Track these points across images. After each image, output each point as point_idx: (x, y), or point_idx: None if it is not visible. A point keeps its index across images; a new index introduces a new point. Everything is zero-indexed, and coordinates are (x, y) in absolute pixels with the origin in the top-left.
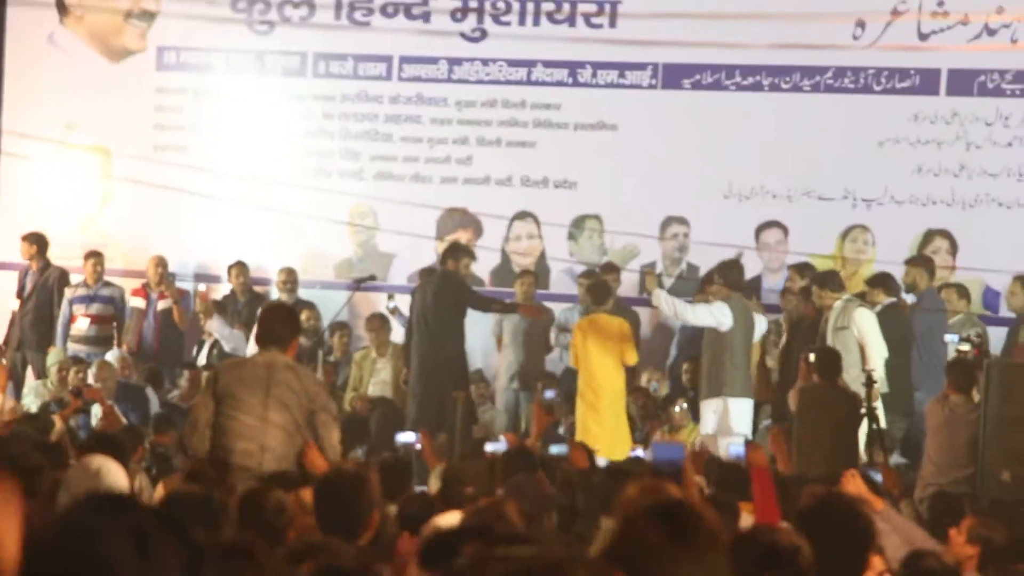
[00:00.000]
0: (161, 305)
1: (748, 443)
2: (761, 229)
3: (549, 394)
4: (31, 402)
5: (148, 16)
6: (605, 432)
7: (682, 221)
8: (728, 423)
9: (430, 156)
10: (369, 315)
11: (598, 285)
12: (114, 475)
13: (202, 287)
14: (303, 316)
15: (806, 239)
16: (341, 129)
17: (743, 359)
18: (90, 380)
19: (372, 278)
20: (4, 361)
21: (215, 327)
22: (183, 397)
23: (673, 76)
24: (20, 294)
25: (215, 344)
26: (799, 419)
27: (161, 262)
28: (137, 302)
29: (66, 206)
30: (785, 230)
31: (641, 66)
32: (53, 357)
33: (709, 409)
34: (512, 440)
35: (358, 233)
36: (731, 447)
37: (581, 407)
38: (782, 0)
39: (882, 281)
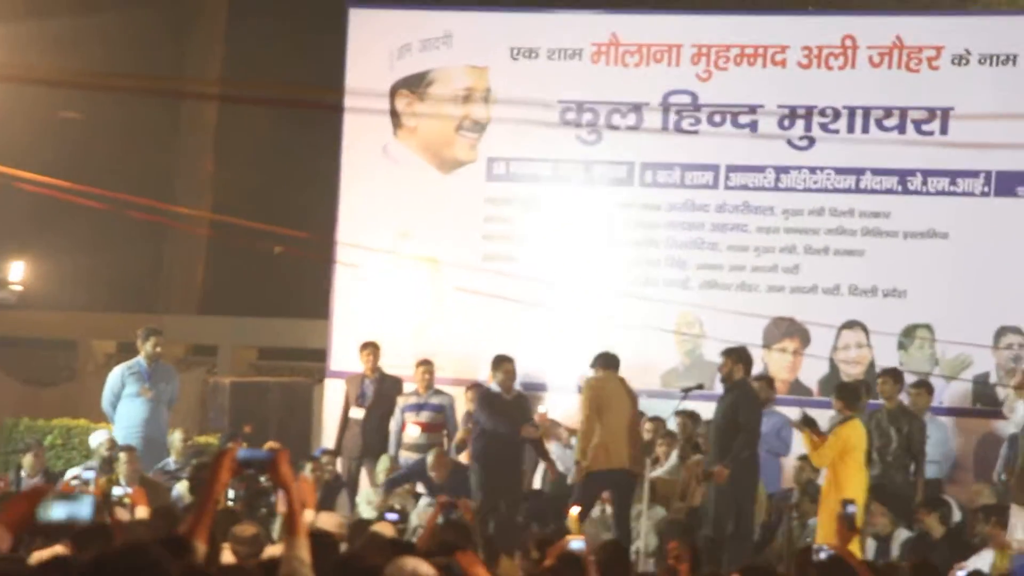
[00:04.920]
0: None
1: None
2: None
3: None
4: (364, 510)
5: (479, 127)
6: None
7: (1017, 331)
8: None
9: (757, 265)
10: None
11: (844, 388)
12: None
13: (542, 408)
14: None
15: None
16: (667, 238)
17: None
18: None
19: (699, 387)
20: (307, 473)
21: (553, 448)
22: None
23: (1007, 183)
24: (359, 402)
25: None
26: None
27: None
28: None
29: (398, 315)
30: None
31: (973, 173)
32: (383, 464)
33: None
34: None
35: (685, 342)
36: None
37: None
38: None
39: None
